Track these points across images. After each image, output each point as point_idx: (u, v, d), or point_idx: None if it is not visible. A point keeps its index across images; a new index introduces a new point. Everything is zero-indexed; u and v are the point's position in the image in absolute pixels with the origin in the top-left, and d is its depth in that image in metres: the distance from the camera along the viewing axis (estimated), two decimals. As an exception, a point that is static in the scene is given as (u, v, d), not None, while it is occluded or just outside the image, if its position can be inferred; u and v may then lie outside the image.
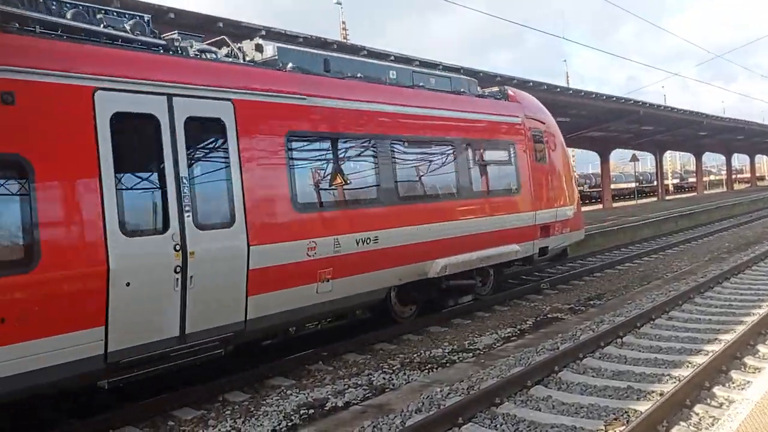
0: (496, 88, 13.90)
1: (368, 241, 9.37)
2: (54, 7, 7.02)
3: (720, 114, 53.24)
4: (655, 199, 53.88)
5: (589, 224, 27.51)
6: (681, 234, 25.49)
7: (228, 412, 7.39)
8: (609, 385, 7.03)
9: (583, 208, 49.18)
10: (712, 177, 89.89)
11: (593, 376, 7.47)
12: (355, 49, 16.91)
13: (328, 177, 9.25)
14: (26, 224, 6.03)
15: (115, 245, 6.50)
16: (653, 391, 6.70)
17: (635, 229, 26.12)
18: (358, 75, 10.12)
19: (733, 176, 76.29)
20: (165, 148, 7.10)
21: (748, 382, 6.81)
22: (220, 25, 13.71)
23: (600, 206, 46.17)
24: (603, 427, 5.93)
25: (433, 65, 18.96)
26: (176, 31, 8.37)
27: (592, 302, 12.68)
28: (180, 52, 7.92)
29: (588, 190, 63.23)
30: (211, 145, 7.82)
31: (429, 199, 10.84)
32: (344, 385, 8.13)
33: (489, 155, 12.34)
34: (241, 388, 8.09)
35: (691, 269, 15.28)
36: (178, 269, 7.02)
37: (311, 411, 7.28)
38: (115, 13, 7.74)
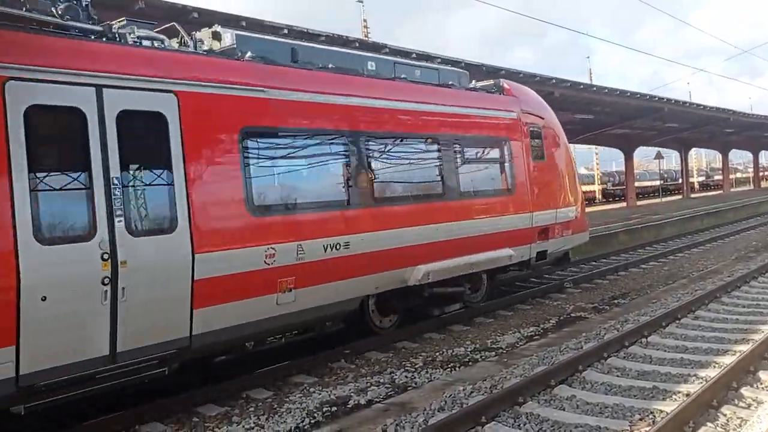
0: (490, 81, 13.08)
1: (338, 246, 8.61)
2: None
3: (747, 110, 52.36)
4: (680, 197, 53.29)
5: (613, 222, 27.32)
6: (707, 232, 25.17)
7: (251, 408, 7.44)
8: (634, 385, 6.95)
9: (607, 207, 48.98)
10: (738, 174, 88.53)
11: (618, 376, 7.39)
12: (376, 47, 16.89)
13: (291, 177, 8.55)
14: None
15: (27, 254, 5.85)
16: (679, 392, 6.61)
17: (660, 227, 25.85)
18: (330, 66, 9.41)
19: (761, 173, 75.01)
20: (92, 145, 6.41)
21: (777, 383, 6.70)
22: (243, 24, 13.77)
23: (624, 204, 45.79)
24: (628, 428, 5.86)
25: (455, 62, 18.91)
26: (124, 18, 7.70)
27: (616, 301, 12.56)
28: (117, 39, 7.18)
29: (611, 188, 62.73)
30: (149, 142, 7.10)
31: (409, 200, 10.03)
32: (367, 383, 8.14)
33: (479, 153, 11.64)
34: (264, 385, 8.15)
35: (718, 268, 15.06)
36: (107, 281, 6.33)
37: (334, 408, 7.30)
38: None
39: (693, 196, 54.90)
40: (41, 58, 6.22)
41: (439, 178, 10.61)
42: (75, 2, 6.99)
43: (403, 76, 10.69)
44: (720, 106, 39.78)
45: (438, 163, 10.66)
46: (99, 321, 6.33)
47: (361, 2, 31.44)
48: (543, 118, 13.31)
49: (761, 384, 6.84)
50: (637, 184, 51.32)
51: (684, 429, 5.67)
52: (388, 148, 9.93)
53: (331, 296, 8.70)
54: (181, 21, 10.44)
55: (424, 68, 11.60)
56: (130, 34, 7.39)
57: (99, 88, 6.52)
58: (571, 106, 28.41)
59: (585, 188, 62.48)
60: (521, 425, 6.05)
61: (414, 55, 17.75)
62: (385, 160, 9.84)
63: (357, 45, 16.25)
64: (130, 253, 6.52)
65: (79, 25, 6.88)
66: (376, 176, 9.50)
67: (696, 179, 79.58)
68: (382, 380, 8.22)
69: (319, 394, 7.80)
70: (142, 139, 7.00)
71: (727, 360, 7.44)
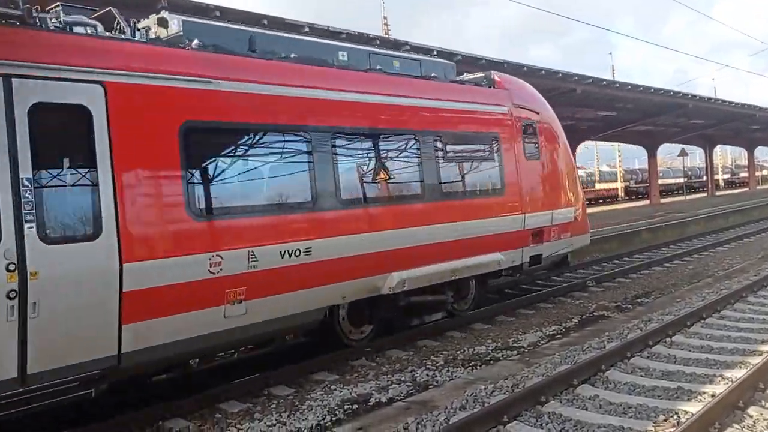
0: (480, 74, 12.24)
1: (297, 253, 7.80)
2: None
3: (774, 107, 51.52)
4: (704, 194, 52.62)
5: (636, 220, 27.07)
6: (732, 231, 24.82)
7: (273, 405, 7.48)
8: (658, 385, 6.87)
9: (630, 204, 48.47)
10: (765, 172, 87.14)
11: (641, 376, 7.31)
12: (397, 44, 16.88)
13: (242, 176, 7.77)
14: None
15: None
16: (704, 392, 6.52)
17: (684, 225, 25.56)
18: (293, 56, 8.58)
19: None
20: None
21: (805, 384, 6.59)
22: (265, 22, 13.85)
23: (647, 202, 45.36)
24: (652, 428, 5.80)
25: (476, 59, 18.83)
26: (59, 3, 7.02)
27: (639, 300, 12.43)
28: (38, 24, 6.47)
29: (634, 185, 62.18)
30: (70, 138, 6.46)
31: (382, 202, 9.21)
32: (387, 380, 8.15)
33: (464, 150, 10.74)
34: (285, 382, 8.17)
35: (744, 267, 14.84)
36: (13, 294, 5.65)
37: (355, 406, 7.31)
38: None
39: (718, 193, 54.19)
40: None
41: (417, 177, 9.77)
42: None
43: (378, 67, 9.85)
44: (746, 102, 39.26)
45: (415, 162, 9.79)
46: (5, 339, 5.66)
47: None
48: (538, 113, 12.39)
49: (789, 385, 6.73)
50: (660, 181, 50.81)
51: (709, 430, 5.61)
52: (356, 145, 9.12)
53: (290, 307, 7.94)
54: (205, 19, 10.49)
55: (404, 59, 10.73)
56: (53, 19, 6.70)
57: (7, 77, 5.86)
58: (593, 102, 28.18)
59: (607, 186, 62.27)
60: (543, 425, 6.02)
61: (435, 53, 17.70)
62: (353, 159, 9.04)
63: (378, 42, 16.25)
64: (43, 262, 5.84)
65: None
66: (343, 176, 8.66)
67: (721, 176, 78.56)
68: (403, 378, 8.21)
69: (340, 391, 7.82)
70: (61, 134, 6.39)
71: (754, 360, 7.33)
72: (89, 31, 6.82)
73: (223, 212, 7.31)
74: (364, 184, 9.10)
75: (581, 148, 41.76)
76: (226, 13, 13.36)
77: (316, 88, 8.51)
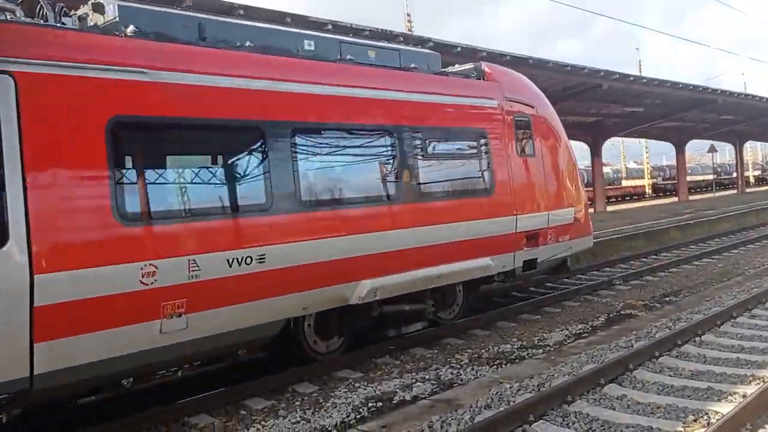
0: (470, 65, 11.40)
1: (249, 260, 7.08)
2: None
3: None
4: (734, 191, 51.78)
5: (664, 217, 26.70)
6: (763, 228, 24.34)
7: (297, 402, 7.49)
8: (687, 385, 6.76)
9: (658, 201, 47.78)
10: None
11: (670, 376, 7.19)
12: (421, 41, 16.83)
13: (181, 177, 7.08)
14: None
15: None
16: (735, 393, 6.39)
17: (713, 222, 25.14)
18: (248, 44, 7.89)
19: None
20: None
21: (841, 385, 6.42)
22: (288, 20, 13.91)
23: (675, 199, 44.76)
24: (682, 429, 5.69)
25: (501, 55, 18.70)
26: None
27: (667, 299, 12.23)
28: None
29: (662, 182, 61.41)
30: None
31: (349, 204, 8.40)
32: (412, 379, 8.11)
33: (444, 147, 10.04)
34: (310, 380, 8.19)
35: (775, 265, 14.57)
36: None
37: (379, 404, 7.29)
38: None
39: (748, 190, 53.30)
40: None
41: (391, 177, 9.02)
42: None
43: (349, 57, 9.05)
44: (777, 97, 38.45)
45: (389, 160, 9.04)
46: None
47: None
48: (533, 107, 11.45)
49: (824, 386, 6.56)
50: (689, 178, 50.09)
51: (741, 431, 5.49)
52: (320, 142, 8.40)
53: (241, 320, 7.18)
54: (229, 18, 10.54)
55: (381, 49, 9.84)
56: None
57: None
58: (620, 98, 27.86)
59: (635, 183, 61.58)
60: (570, 424, 5.94)
61: (459, 49, 17.64)
62: (316, 157, 8.31)
63: (401, 39, 16.22)
64: None
65: None
66: (305, 175, 7.94)
67: (751, 173, 77.19)
68: (427, 376, 8.17)
69: (364, 389, 7.80)
70: None
71: (787, 360, 7.18)
72: (8, 17, 6.08)
73: (158, 217, 6.56)
74: (329, 184, 8.38)
75: (608, 144, 41.27)
76: (249, 11, 13.45)
77: (274, 79, 7.76)
